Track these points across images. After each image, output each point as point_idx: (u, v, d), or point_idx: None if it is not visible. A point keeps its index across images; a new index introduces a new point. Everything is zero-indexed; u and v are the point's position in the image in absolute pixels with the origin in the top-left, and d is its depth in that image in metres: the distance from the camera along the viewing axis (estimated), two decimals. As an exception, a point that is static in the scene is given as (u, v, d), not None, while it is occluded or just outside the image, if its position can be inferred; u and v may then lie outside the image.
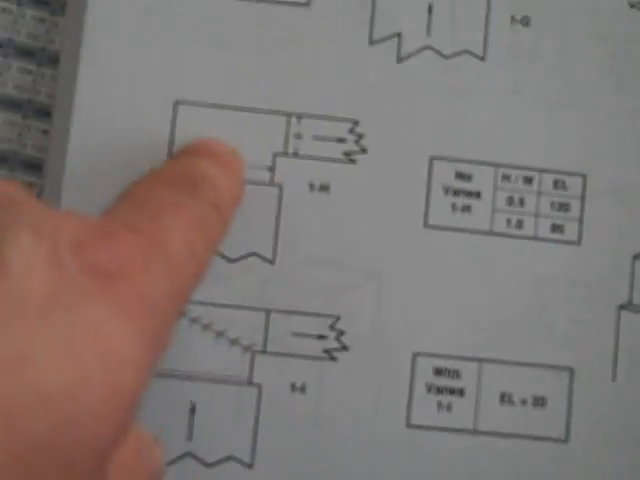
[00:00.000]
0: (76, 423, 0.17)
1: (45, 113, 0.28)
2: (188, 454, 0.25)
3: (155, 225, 0.21)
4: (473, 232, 0.26)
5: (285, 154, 0.26)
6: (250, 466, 0.25)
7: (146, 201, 0.22)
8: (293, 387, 0.25)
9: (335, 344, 0.26)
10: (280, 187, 0.26)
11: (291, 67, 0.26)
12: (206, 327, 0.25)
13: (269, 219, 0.26)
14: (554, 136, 0.27)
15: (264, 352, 0.26)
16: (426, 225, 0.26)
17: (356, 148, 0.26)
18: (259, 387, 0.25)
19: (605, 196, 0.27)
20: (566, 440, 0.26)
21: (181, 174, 0.23)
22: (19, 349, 0.17)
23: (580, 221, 0.27)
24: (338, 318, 0.26)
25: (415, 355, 0.26)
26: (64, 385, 0.17)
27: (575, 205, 0.27)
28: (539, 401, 0.26)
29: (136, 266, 0.19)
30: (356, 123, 0.26)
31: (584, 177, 0.27)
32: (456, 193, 0.26)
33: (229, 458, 0.25)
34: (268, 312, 0.26)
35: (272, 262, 0.26)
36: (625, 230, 0.27)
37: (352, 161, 0.26)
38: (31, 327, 0.17)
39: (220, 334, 0.25)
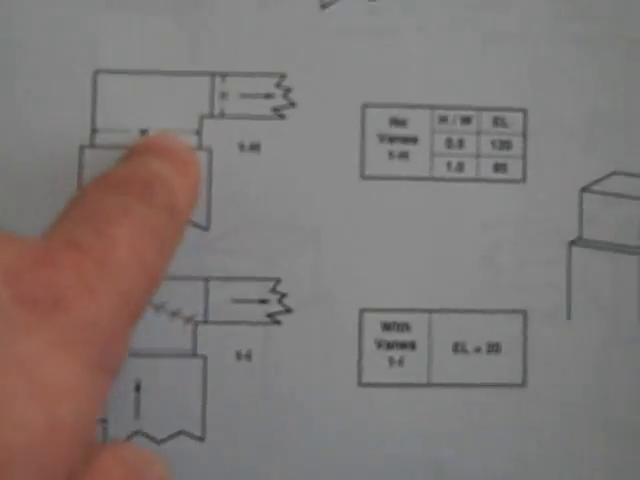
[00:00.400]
0: (11, 466, 0.17)
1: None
2: (138, 432, 0.25)
3: (99, 239, 0.20)
4: (412, 179, 0.25)
5: (212, 115, 0.25)
6: (201, 439, 0.25)
7: (93, 210, 0.21)
8: (239, 355, 0.25)
9: (278, 307, 0.25)
10: (209, 150, 0.25)
11: (209, 25, 0.25)
12: (144, 301, 0.24)
13: (200, 185, 0.25)
14: (490, 71, 0.26)
15: (206, 322, 0.25)
16: (363, 176, 0.25)
17: (284, 103, 0.25)
18: (204, 358, 0.25)
19: (548, 130, 0.26)
20: (523, 384, 0.25)
21: (132, 177, 0.22)
22: None
23: (523, 158, 0.26)
24: (279, 281, 0.25)
25: (362, 311, 0.25)
26: None
27: (517, 142, 0.26)
28: (493, 347, 0.25)
29: (76, 293, 0.18)
30: (283, 77, 0.25)
31: (525, 112, 0.26)
32: (392, 140, 0.25)
33: (180, 433, 0.25)
34: (207, 280, 0.25)
35: (207, 229, 0.25)
36: (570, 164, 0.26)
37: (281, 117, 0.25)
38: None
39: (159, 307, 0.25)
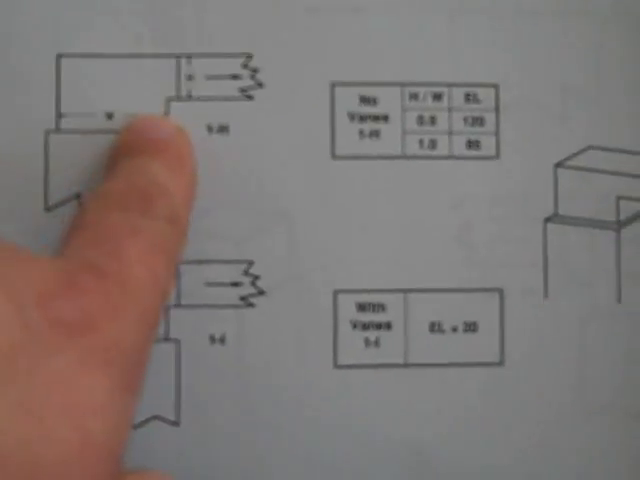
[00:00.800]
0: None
1: None
2: None
3: (115, 261, 0.20)
4: (384, 158, 0.25)
5: (178, 98, 0.25)
6: (176, 424, 0.24)
7: (101, 231, 0.21)
8: (212, 339, 0.24)
9: (251, 290, 0.25)
10: (177, 133, 0.25)
11: (173, 6, 0.25)
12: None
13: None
14: (461, 47, 0.25)
15: (178, 306, 0.24)
16: (334, 156, 0.25)
17: (252, 83, 0.25)
18: (177, 342, 0.24)
19: (520, 105, 0.25)
20: (501, 363, 0.25)
21: (131, 190, 0.22)
22: None
23: (496, 134, 0.25)
24: (251, 263, 0.25)
25: (336, 293, 0.25)
26: (24, 440, 0.17)
27: (489, 118, 0.25)
28: (470, 326, 0.25)
29: (103, 315, 0.19)
30: (249, 57, 0.25)
31: (496, 87, 0.25)
32: (362, 119, 0.25)
33: (154, 418, 0.24)
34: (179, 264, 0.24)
35: (177, 212, 0.24)
36: (544, 139, 0.25)
37: (249, 97, 0.25)
38: None
39: (130, 293, 0.24)
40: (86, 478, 0.18)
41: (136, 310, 0.20)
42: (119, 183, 0.23)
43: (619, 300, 0.26)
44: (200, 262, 0.25)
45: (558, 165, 0.26)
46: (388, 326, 0.25)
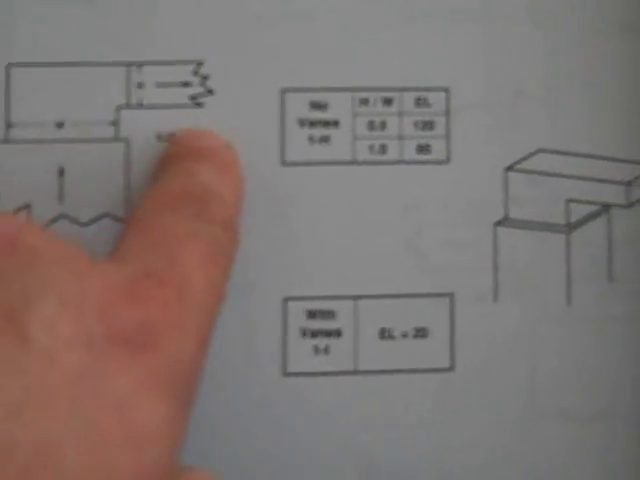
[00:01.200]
0: None
1: None
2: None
3: (174, 268, 0.20)
4: (335, 163, 0.25)
5: (129, 105, 0.25)
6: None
7: (158, 234, 0.21)
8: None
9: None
10: (127, 141, 0.25)
11: (124, 14, 0.25)
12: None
13: (118, 177, 0.24)
14: (410, 51, 0.25)
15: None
16: (283, 162, 0.25)
17: (202, 90, 0.25)
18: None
19: (471, 109, 0.25)
20: (451, 368, 0.25)
21: (185, 193, 0.22)
22: (43, 434, 0.17)
23: (447, 138, 0.25)
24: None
25: (285, 300, 0.25)
26: (88, 468, 0.17)
27: (440, 122, 0.25)
28: (420, 332, 0.25)
29: (163, 331, 0.19)
30: (200, 64, 0.25)
31: (447, 91, 0.25)
32: (312, 124, 0.25)
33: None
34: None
35: (127, 221, 0.25)
36: (495, 143, 0.26)
37: (199, 105, 0.25)
38: (55, 410, 0.17)
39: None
40: None
41: (194, 321, 0.20)
42: (172, 185, 0.23)
43: (569, 303, 0.26)
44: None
45: (508, 169, 0.26)
46: (338, 333, 0.25)
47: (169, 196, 0.22)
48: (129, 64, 0.25)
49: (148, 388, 0.18)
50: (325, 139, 0.25)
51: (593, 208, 0.26)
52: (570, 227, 0.26)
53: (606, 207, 0.26)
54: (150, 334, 0.19)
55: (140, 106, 0.25)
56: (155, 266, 0.20)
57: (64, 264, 0.19)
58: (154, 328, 0.19)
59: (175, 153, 0.24)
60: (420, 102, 0.25)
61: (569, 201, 0.26)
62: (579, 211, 0.26)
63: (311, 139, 0.25)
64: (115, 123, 0.25)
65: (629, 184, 0.26)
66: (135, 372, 0.18)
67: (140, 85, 0.25)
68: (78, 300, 0.18)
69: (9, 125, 0.25)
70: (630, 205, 0.26)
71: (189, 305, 0.20)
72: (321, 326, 0.25)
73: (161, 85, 0.25)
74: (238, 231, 0.23)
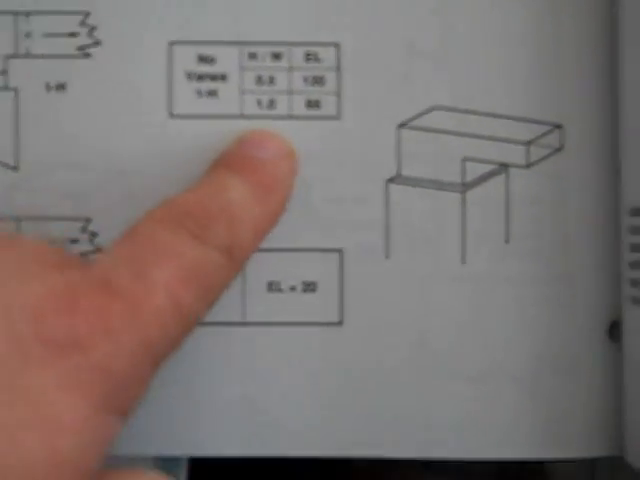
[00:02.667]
0: None
1: None
2: None
3: (137, 283, 0.20)
4: (222, 117, 0.25)
5: (16, 55, 0.25)
6: (15, 169, 0.25)
7: (142, 247, 0.21)
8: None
9: (89, 247, 0.25)
10: (16, 90, 0.25)
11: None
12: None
13: (7, 125, 0.25)
14: (301, 6, 0.25)
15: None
16: (171, 115, 0.25)
17: (89, 41, 0.25)
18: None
19: (362, 65, 0.25)
20: (340, 323, 0.25)
21: (197, 206, 0.22)
22: None
23: (337, 94, 0.25)
24: (89, 220, 0.25)
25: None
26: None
27: (330, 78, 0.25)
28: (309, 286, 0.25)
29: (96, 338, 0.19)
30: (87, 15, 0.25)
31: (337, 46, 0.25)
32: (200, 78, 0.25)
33: None
34: (18, 220, 0.25)
35: (16, 169, 0.25)
36: (387, 100, 0.25)
37: (87, 55, 0.25)
38: None
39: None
40: None
41: (139, 336, 0.20)
42: (192, 195, 0.22)
43: (463, 261, 0.25)
44: (39, 218, 0.25)
45: (402, 125, 0.25)
46: (225, 286, 0.25)
47: (179, 208, 0.22)
48: (17, 13, 0.25)
49: (68, 386, 0.19)
50: (213, 93, 0.25)
51: (491, 167, 0.26)
52: (466, 186, 0.26)
53: (504, 167, 0.26)
54: (77, 340, 0.19)
55: (28, 55, 0.25)
56: (119, 278, 0.20)
57: (10, 268, 0.20)
58: (83, 336, 0.19)
59: (228, 155, 0.24)
60: (310, 57, 0.25)
61: (465, 160, 0.25)
62: (476, 170, 0.26)
63: (199, 92, 0.25)
64: (4, 72, 0.25)
65: (528, 144, 0.26)
66: (55, 371, 0.19)
67: (28, 34, 0.25)
68: (12, 303, 0.19)
69: None
70: (529, 165, 0.26)
71: (138, 319, 0.20)
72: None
73: (49, 35, 0.25)
74: (245, 257, 0.23)
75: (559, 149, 0.25)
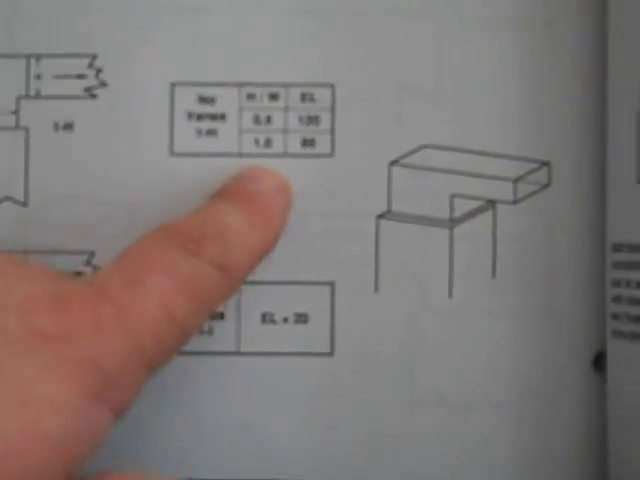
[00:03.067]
0: None
1: None
2: None
3: (129, 287, 0.21)
4: (221, 155, 0.26)
5: (27, 96, 0.26)
6: (24, 204, 0.26)
7: (137, 259, 0.22)
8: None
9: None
10: (26, 130, 0.26)
11: (24, 8, 0.26)
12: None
13: (18, 162, 0.26)
14: (298, 48, 0.26)
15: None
16: (172, 153, 0.26)
17: (96, 83, 0.26)
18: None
19: (356, 105, 0.26)
20: (331, 353, 0.26)
21: (192, 227, 0.23)
22: None
23: (332, 133, 0.26)
24: (92, 254, 0.26)
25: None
26: None
27: (325, 117, 0.26)
28: (301, 318, 0.26)
29: (86, 333, 0.20)
30: (94, 57, 0.26)
31: (332, 87, 0.26)
32: (200, 117, 0.26)
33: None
34: (26, 253, 0.26)
35: (25, 204, 0.26)
36: (379, 138, 0.26)
37: (93, 96, 0.26)
38: None
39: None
40: (32, 470, 0.19)
41: (130, 339, 0.21)
42: (187, 219, 0.24)
43: (451, 295, 0.26)
44: (46, 252, 0.26)
45: (393, 163, 0.26)
46: (221, 316, 0.26)
47: (176, 230, 0.23)
48: (29, 56, 0.26)
49: (51, 370, 0.19)
50: (212, 132, 0.26)
51: (479, 204, 0.27)
52: (454, 222, 0.27)
53: (492, 203, 0.27)
54: (66, 334, 0.20)
55: (38, 97, 0.26)
56: (112, 286, 0.21)
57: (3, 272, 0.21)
58: (72, 331, 0.20)
59: (222, 192, 0.25)
60: (306, 97, 0.26)
61: (453, 196, 0.26)
62: (464, 206, 0.27)
63: (199, 132, 0.26)
64: (16, 112, 0.26)
65: (516, 180, 0.26)
66: (41, 357, 0.20)
67: (38, 76, 0.26)
68: (3, 298, 0.20)
69: None
70: (516, 202, 0.26)
71: (129, 322, 0.21)
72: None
73: (58, 77, 0.26)
74: (240, 278, 0.23)
75: (546, 185, 0.26)
